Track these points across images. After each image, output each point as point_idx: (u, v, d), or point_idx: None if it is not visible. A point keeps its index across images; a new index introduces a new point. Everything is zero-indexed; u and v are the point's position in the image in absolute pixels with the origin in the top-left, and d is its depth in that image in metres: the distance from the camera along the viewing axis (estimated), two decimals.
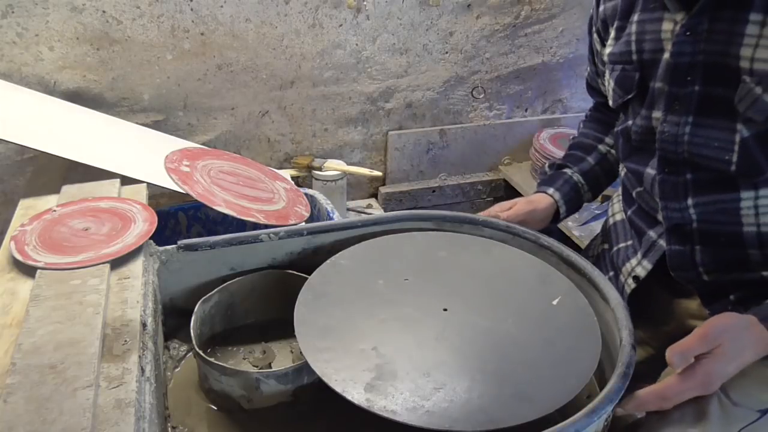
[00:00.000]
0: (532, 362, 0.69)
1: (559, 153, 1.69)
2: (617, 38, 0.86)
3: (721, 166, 0.74)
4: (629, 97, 0.85)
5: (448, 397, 0.64)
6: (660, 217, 0.85)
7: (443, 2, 1.61)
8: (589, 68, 1.05)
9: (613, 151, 1.02)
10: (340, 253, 0.87)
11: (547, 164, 1.09)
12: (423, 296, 0.79)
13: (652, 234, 0.88)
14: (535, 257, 0.87)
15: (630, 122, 0.87)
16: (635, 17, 0.82)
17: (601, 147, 1.03)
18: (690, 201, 0.79)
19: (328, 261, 0.85)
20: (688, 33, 0.73)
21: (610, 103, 0.92)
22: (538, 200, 0.97)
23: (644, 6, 0.81)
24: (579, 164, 1.02)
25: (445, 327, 0.74)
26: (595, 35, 0.94)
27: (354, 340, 0.71)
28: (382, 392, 0.64)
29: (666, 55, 0.77)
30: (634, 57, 0.82)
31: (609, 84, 0.89)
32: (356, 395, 0.63)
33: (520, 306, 0.78)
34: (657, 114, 0.80)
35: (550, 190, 0.98)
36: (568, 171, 1.01)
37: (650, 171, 0.84)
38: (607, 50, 0.89)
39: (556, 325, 0.75)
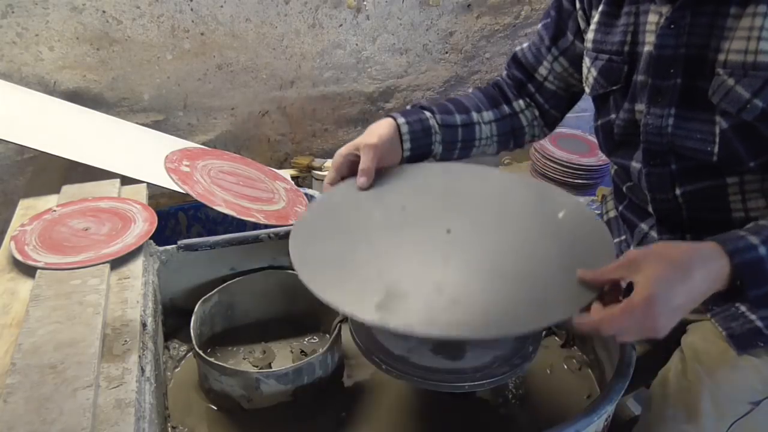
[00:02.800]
0: (546, 272, 0.66)
1: (560, 153, 1.69)
2: (603, 24, 0.85)
3: (703, 157, 0.75)
4: (613, 88, 0.84)
5: (464, 309, 0.61)
6: (650, 208, 0.85)
7: (443, 2, 1.61)
8: (532, 41, 0.96)
9: (481, 129, 0.93)
10: (328, 191, 0.81)
11: (415, 102, 0.96)
12: (424, 221, 0.75)
13: (643, 226, 0.88)
14: (533, 179, 0.84)
15: (612, 116, 0.86)
16: (626, 8, 0.81)
17: (475, 115, 0.92)
18: (678, 191, 0.80)
19: (317, 198, 0.81)
20: (672, 26, 0.74)
21: (587, 91, 0.90)
22: (381, 128, 0.84)
23: None
24: (443, 114, 0.90)
25: (451, 247, 0.71)
26: (579, 11, 0.90)
27: (358, 268, 0.67)
28: (394, 311, 0.61)
29: (649, 48, 0.77)
30: (626, 48, 0.82)
31: (590, 73, 0.87)
32: (367, 316, 0.60)
33: (525, 222, 0.75)
34: (640, 107, 0.80)
35: (401, 120, 0.85)
36: (427, 113, 0.89)
37: (636, 164, 0.84)
38: (590, 36, 0.86)
39: (566, 236, 0.72)
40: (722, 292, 0.63)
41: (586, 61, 0.88)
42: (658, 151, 0.79)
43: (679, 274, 0.60)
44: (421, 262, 0.68)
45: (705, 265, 0.61)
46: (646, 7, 0.78)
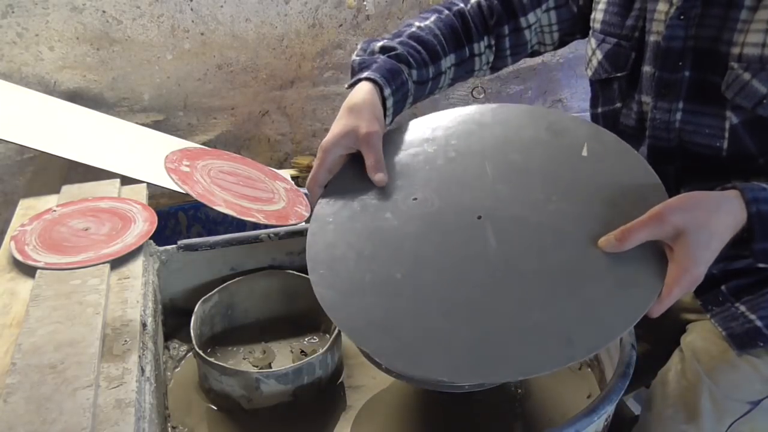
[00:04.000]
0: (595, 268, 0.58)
1: None
2: (615, 5, 0.80)
3: (712, 153, 0.73)
4: (618, 75, 0.81)
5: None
6: None
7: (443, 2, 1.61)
8: None
9: (444, 78, 0.84)
10: (326, 199, 0.71)
11: (383, 42, 0.80)
12: (450, 205, 0.65)
13: None
14: (529, 106, 0.77)
15: (618, 104, 0.83)
16: None
17: (442, 63, 0.82)
18: (682, 191, 0.78)
19: (314, 220, 0.70)
20: (681, 17, 0.71)
21: (588, 74, 0.86)
22: (371, 107, 0.72)
23: None
24: (419, 69, 0.79)
25: (487, 237, 0.61)
26: None
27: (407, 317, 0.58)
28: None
29: (656, 38, 0.75)
30: (636, 34, 0.78)
31: (594, 55, 0.84)
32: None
33: (548, 173, 0.65)
34: (646, 99, 0.78)
35: (387, 91, 0.74)
36: (405, 71, 0.77)
37: None
38: (598, 16, 0.82)
39: (602, 181, 0.63)
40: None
41: (592, 43, 0.84)
42: (665, 148, 0.77)
43: (711, 233, 0.58)
44: (462, 282, 0.59)
45: (729, 213, 0.59)
46: None
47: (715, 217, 0.58)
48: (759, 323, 0.75)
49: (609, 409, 0.63)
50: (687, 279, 0.57)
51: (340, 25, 1.55)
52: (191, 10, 1.40)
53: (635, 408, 1.07)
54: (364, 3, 1.54)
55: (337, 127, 0.71)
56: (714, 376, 0.76)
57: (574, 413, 0.60)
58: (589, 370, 0.83)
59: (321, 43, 1.55)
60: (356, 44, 1.56)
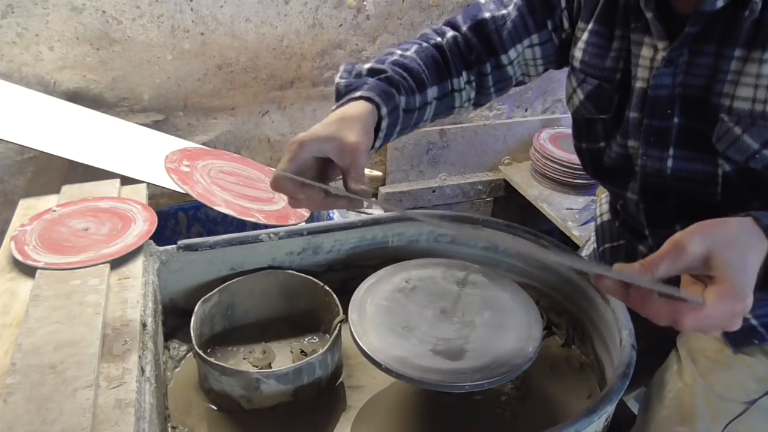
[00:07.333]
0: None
1: (560, 153, 1.69)
2: (595, 45, 0.77)
3: (706, 198, 0.71)
4: (602, 117, 0.78)
5: None
6: (649, 239, 0.81)
7: (443, 2, 1.61)
8: (508, 13, 0.81)
9: (429, 110, 0.80)
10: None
11: (371, 65, 0.76)
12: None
13: (642, 248, 0.85)
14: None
15: (602, 144, 0.80)
16: (618, 31, 0.74)
17: (429, 94, 0.78)
18: (678, 227, 0.75)
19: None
20: (668, 65, 0.68)
21: (570, 110, 0.83)
22: (364, 121, 0.66)
23: (625, 21, 0.73)
24: (408, 97, 0.75)
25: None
26: (565, 11, 0.79)
27: None
28: None
29: (642, 84, 0.72)
30: (618, 76, 0.75)
31: (575, 94, 0.81)
32: None
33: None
34: (633, 143, 0.75)
35: (384, 110, 0.69)
36: (397, 96, 0.72)
37: (632, 196, 0.79)
38: (578, 54, 0.79)
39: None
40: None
41: (572, 80, 0.81)
42: (658, 191, 0.75)
43: (740, 253, 0.53)
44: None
45: (749, 233, 0.55)
46: (638, 37, 0.71)
47: (740, 239, 0.54)
48: (754, 321, 0.75)
49: (609, 409, 0.63)
50: (729, 298, 0.51)
51: (340, 25, 1.55)
52: (191, 10, 1.40)
53: (635, 408, 1.07)
54: (364, 3, 1.54)
55: (322, 129, 0.64)
56: (709, 377, 0.77)
57: (574, 413, 0.60)
58: (589, 370, 0.83)
59: (321, 43, 1.55)
60: (356, 44, 1.57)
